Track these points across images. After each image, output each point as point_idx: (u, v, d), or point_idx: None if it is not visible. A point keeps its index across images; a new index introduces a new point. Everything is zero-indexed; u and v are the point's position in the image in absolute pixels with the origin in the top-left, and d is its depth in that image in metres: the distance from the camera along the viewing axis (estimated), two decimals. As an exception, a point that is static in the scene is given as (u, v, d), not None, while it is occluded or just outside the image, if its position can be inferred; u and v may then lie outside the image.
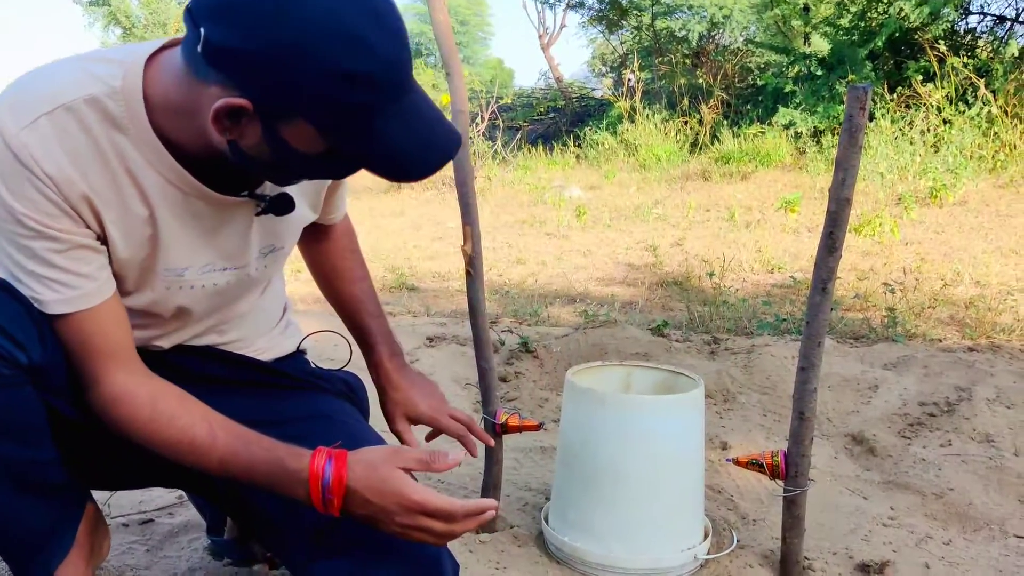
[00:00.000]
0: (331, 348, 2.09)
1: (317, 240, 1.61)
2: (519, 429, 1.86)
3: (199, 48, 1.02)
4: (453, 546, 1.79)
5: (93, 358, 1.20)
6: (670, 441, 1.70)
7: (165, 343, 1.37)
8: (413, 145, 1.09)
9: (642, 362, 1.97)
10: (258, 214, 1.30)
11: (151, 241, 1.21)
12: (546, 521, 1.83)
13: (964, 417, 2.31)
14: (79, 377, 1.22)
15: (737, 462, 1.74)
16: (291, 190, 1.32)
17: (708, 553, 1.77)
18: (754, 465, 1.71)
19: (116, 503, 1.96)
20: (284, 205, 1.30)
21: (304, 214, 1.41)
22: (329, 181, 1.45)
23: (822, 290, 1.62)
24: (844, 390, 2.59)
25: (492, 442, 1.68)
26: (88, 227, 1.14)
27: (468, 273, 1.84)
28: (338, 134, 1.06)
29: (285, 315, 1.58)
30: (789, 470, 1.67)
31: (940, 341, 3.04)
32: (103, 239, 1.17)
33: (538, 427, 1.86)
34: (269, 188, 1.30)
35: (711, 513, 1.93)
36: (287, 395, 1.47)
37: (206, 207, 1.23)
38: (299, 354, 1.55)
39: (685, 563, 1.72)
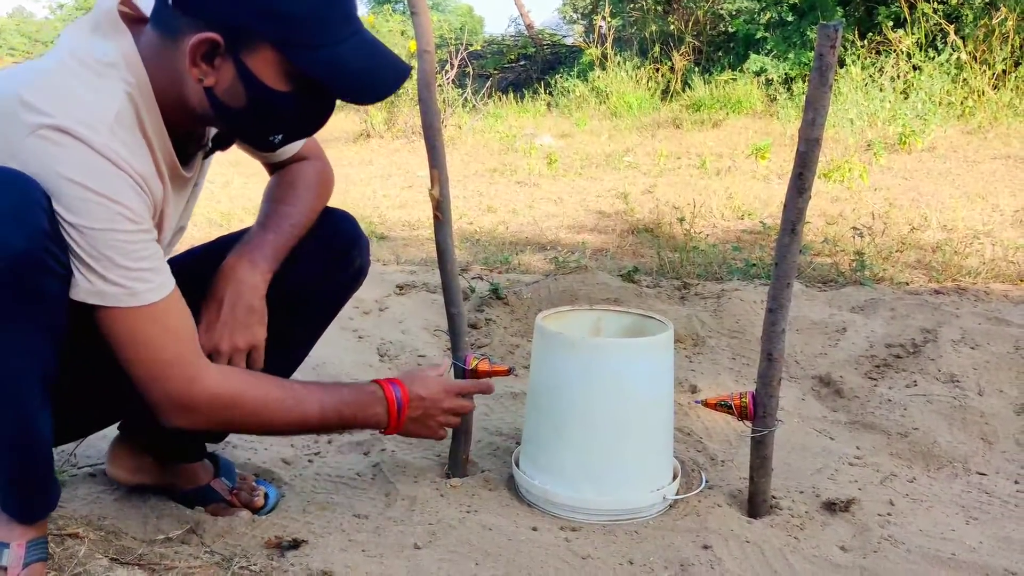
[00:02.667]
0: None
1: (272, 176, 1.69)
2: (489, 374, 1.86)
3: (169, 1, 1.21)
4: (425, 491, 1.80)
5: (182, 343, 1.33)
6: (639, 384, 1.71)
7: None
8: (368, 66, 1.27)
9: (612, 307, 1.96)
10: (206, 155, 1.48)
11: (159, 225, 1.36)
12: (516, 465, 1.83)
13: (930, 358, 2.34)
14: (160, 376, 1.32)
15: (706, 404, 1.75)
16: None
17: (677, 494, 1.79)
18: (723, 407, 1.72)
19: (83, 453, 1.94)
20: (227, 139, 1.46)
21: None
22: None
23: (791, 231, 1.62)
24: (812, 333, 2.61)
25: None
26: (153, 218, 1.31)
27: (436, 218, 1.81)
28: (298, 55, 1.22)
29: None
30: (757, 411, 1.69)
31: (907, 284, 3.07)
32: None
33: (508, 372, 1.85)
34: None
35: (680, 455, 1.95)
36: None
37: (177, 185, 1.40)
38: None
39: (654, 503, 1.74)
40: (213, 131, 1.48)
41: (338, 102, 1.35)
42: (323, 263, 1.64)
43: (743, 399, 1.70)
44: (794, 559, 1.58)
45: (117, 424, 1.75)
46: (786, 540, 1.64)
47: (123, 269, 1.23)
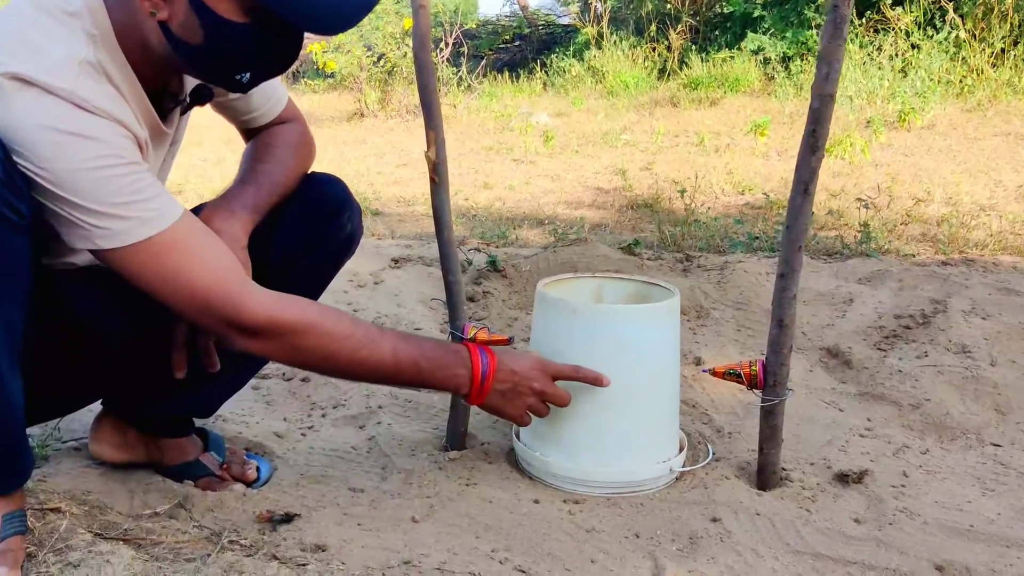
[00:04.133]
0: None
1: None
2: (488, 344, 1.79)
3: None
4: (423, 464, 1.74)
5: (218, 269, 1.27)
6: (645, 352, 1.64)
7: (79, 261, 1.38)
8: None
9: (614, 274, 1.90)
10: (184, 110, 1.42)
11: None
12: (517, 437, 1.77)
13: (940, 329, 2.28)
14: (205, 306, 1.27)
15: (714, 373, 1.69)
16: None
17: (683, 466, 1.73)
18: (732, 375, 1.66)
19: (67, 427, 1.87)
20: (203, 94, 1.40)
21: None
22: None
23: (804, 192, 1.56)
24: (819, 304, 2.55)
25: None
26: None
27: (432, 181, 1.74)
28: None
29: None
30: (767, 379, 1.63)
31: (913, 256, 3.00)
32: None
33: (508, 342, 1.78)
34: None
35: (685, 427, 1.88)
36: None
37: (156, 141, 1.35)
38: None
39: (660, 476, 1.68)
40: (191, 85, 1.42)
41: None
42: (309, 229, 1.57)
43: (753, 367, 1.64)
44: (806, 531, 1.52)
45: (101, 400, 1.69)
46: (797, 512, 1.59)
47: (123, 204, 1.18)
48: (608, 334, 1.62)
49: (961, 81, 7.66)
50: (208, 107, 1.50)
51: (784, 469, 1.71)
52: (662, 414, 1.69)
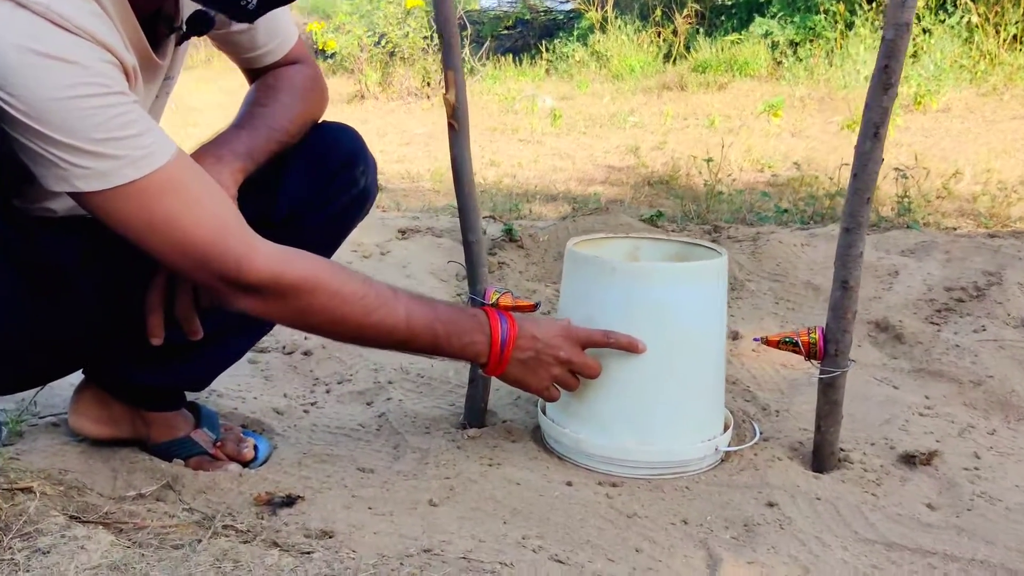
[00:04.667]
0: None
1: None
2: (512, 310, 1.62)
3: None
4: (439, 443, 1.56)
5: (217, 216, 1.12)
6: (688, 316, 1.46)
7: (59, 208, 1.24)
8: None
9: (651, 233, 1.72)
10: (179, 40, 1.26)
11: None
12: (543, 412, 1.59)
13: (997, 302, 2.11)
14: (202, 259, 1.12)
15: (767, 342, 1.51)
16: None
17: (729, 445, 1.55)
18: (788, 344, 1.48)
19: (45, 401, 1.69)
20: (202, 21, 1.22)
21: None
22: None
23: (874, 135, 1.38)
24: (863, 276, 2.37)
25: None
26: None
27: (451, 127, 1.56)
28: None
29: None
30: (828, 348, 1.45)
31: (955, 230, 2.83)
32: None
33: (534, 308, 1.61)
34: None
35: (727, 405, 1.70)
36: None
37: (149, 74, 1.20)
38: None
39: (704, 456, 1.50)
40: (187, 12, 1.24)
41: None
42: (319, 180, 1.40)
43: (812, 335, 1.46)
44: (876, 518, 1.35)
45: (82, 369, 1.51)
46: (863, 497, 1.41)
47: (107, 141, 1.02)
48: (648, 296, 1.44)
49: (975, 66, 7.48)
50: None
51: (842, 449, 1.54)
52: (707, 387, 1.52)
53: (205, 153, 1.26)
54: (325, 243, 1.46)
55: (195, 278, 1.17)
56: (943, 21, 7.83)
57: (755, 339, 1.55)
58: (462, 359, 1.38)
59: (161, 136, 1.09)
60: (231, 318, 1.27)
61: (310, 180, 1.39)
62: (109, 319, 1.33)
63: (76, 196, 1.06)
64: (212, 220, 1.12)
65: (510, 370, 1.36)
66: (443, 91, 1.54)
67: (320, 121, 1.45)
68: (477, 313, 1.34)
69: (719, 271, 1.50)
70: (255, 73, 1.44)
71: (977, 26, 7.74)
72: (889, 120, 1.39)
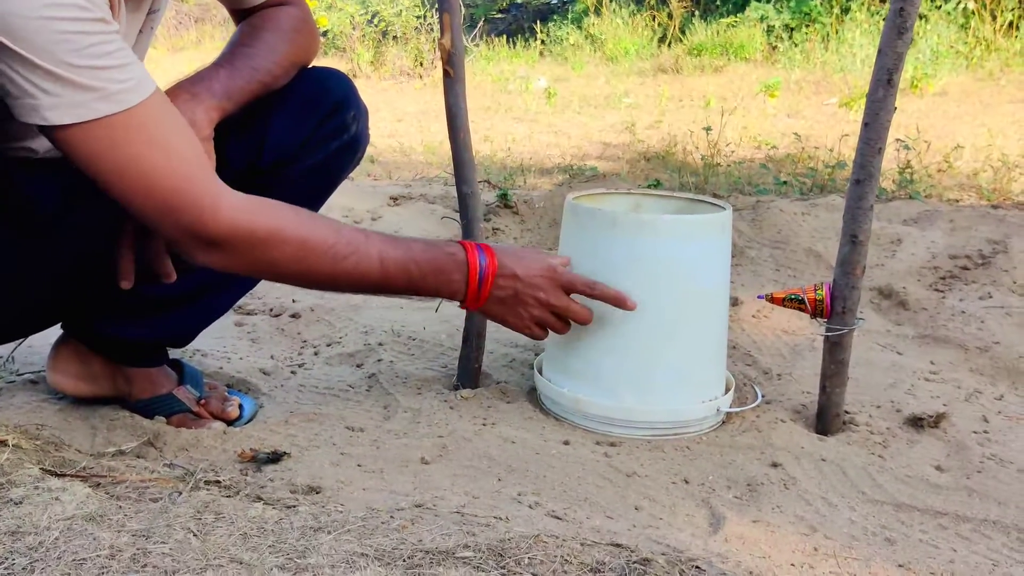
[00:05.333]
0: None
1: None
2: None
3: None
4: (431, 403, 1.51)
5: (185, 162, 1.06)
6: (694, 271, 1.41)
7: (40, 148, 1.19)
8: None
9: (653, 191, 1.67)
10: None
11: None
12: (539, 372, 1.54)
13: (1003, 269, 2.06)
14: (166, 208, 1.06)
15: (772, 299, 1.46)
16: None
17: (731, 407, 1.50)
18: (793, 301, 1.43)
19: (24, 358, 1.64)
20: None
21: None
22: None
23: (888, 82, 1.33)
24: (863, 245, 2.33)
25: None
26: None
27: (447, 74, 1.51)
28: None
29: None
30: (835, 305, 1.40)
31: (957, 202, 2.78)
32: None
33: (531, 264, 1.56)
34: None
35: (728, 368, 1.66)
36: None
37: (132, 3, 1.15)
38: None
39: (706, 416, 1.46)
40: None
41: None
42: (308, 126, 1.34)
43: (818, 292, 1.41)
44: (883, 479, 1.30)
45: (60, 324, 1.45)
46: (869, 459, 1.37)
47: (82, 69, 0.95)
48: (653, 249, 1.39)
49: (971, 52, 7.44)
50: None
51: (847, 412, 1.49)
52: (710, 345, 1.47)
53: (180, 90, 1.19)
54: (313, 193, 1.41)
55: (159, 229, 1.11)
56: (940, 7, 7.80)
57: (759, 296, 1.50)
58: (439, 297, 1.30)
59: (141, 72, 1.03)
60: (212, 271, 1.22)
61: (298, 125, 1.33)
62: (90, 266, 1.27)
63: (46, 131, 1.00)
64: (180, 168, 1.06)
65: (489, 307, 1.29)
66: (439, 37, 1.48)
67: (310, 66, 1.39)
68: (455, 251, 1.26)
69: (724, 225, 1.44)
70: (242, 14, 1.37)
71: (973, 12, 7.71)
72: (903, 67, 1.33)
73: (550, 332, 1.36)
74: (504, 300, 1.28)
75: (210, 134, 1.18)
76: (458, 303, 1.29)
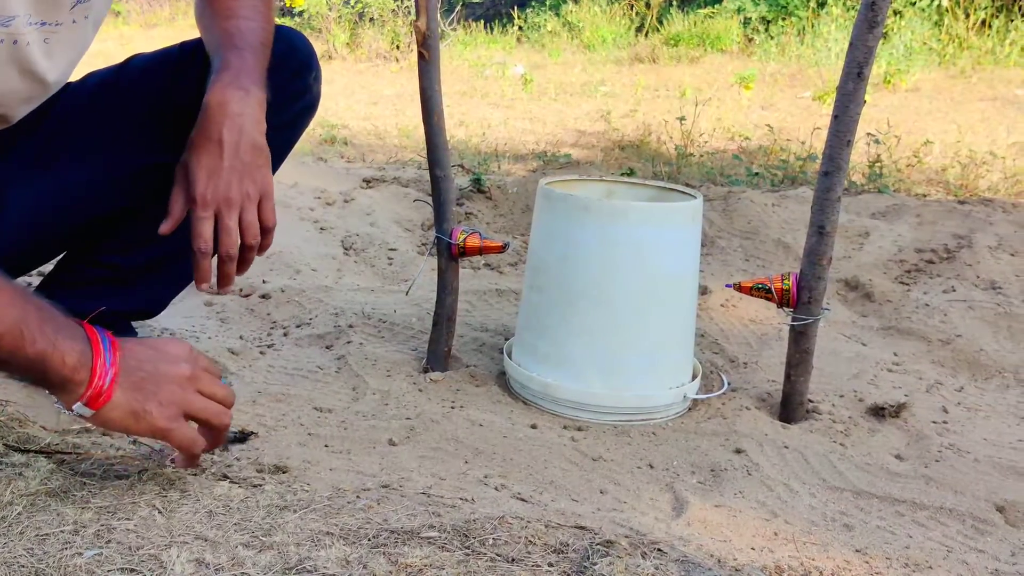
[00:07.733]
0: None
1: None
2: (480, 251, 1.58)
3: None
4: (400, 386, 1.51)
5: None
6: (665, 258, 1.43)
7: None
8: None
9: (625, 179, 1.68)
10: None
11: None
12: (509, 356, 1.55)
13: (966, 264, 2.10)
14: None
15: (740, 288, 1.48)
16: None
17: (698, 393, 1.52)
18: (759, 290, 1.45)
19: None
20: None
21: None
22: None
23: (858, 75, 1.35)
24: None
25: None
26: None
27: (421, 56, 1.50)
28: None
29: None
30: (801, 295, 1.42)
31: (926, 196, 2.82)
32: None
33: (502, 249, 1.57)
34: None
35: (696, 356, 1.68)
36: None
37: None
38: None
39: (672, 403, 1.47)
40: None
41: None
42: (274, 86, 1.30)
43: (785, 282, 1.43)
44: (844, 467, 1.33)
45: None
46: (831, 446, 1.39)
47: None
48: (625, 236, 1.40)
49: (944, 49, 7.52)
50: None
51: (811, 400, 1.51)
52: (678, 331, 1.48)
53: (228, 87, 1.14)
54: (275, 151, 1.38)
55: None
56: (914, 3, 7.86)
57: (727, 285, 1.52)
58: (57, 383, 0.93)
59: None
60: (171, 243, 1.20)
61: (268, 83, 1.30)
62: (43, 240, 1.26)
63: None
64: None
65: (117, 396, 0.95)
66: (414, 18, 1.48)
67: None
68: (71, 321, 0.96)
69: (694, 213, 1.46)
70: None
71: (947, 10, 7.79)
72: (873, 60, 1.35)
73: (522, 316, 1.36)
74: (138, 383, 0.97)
75: (265, 125, 1.17)
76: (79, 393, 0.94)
